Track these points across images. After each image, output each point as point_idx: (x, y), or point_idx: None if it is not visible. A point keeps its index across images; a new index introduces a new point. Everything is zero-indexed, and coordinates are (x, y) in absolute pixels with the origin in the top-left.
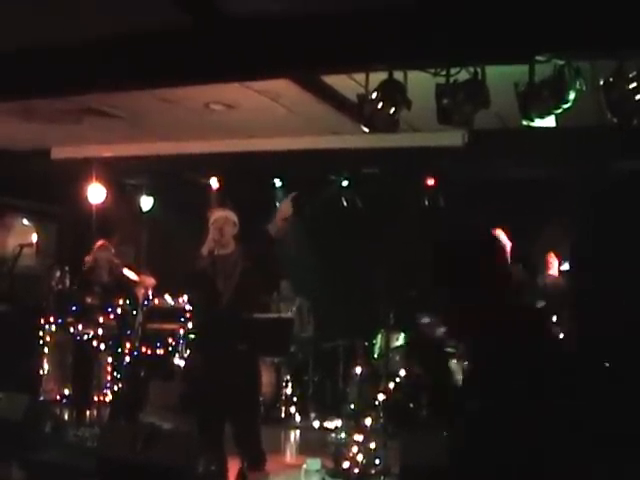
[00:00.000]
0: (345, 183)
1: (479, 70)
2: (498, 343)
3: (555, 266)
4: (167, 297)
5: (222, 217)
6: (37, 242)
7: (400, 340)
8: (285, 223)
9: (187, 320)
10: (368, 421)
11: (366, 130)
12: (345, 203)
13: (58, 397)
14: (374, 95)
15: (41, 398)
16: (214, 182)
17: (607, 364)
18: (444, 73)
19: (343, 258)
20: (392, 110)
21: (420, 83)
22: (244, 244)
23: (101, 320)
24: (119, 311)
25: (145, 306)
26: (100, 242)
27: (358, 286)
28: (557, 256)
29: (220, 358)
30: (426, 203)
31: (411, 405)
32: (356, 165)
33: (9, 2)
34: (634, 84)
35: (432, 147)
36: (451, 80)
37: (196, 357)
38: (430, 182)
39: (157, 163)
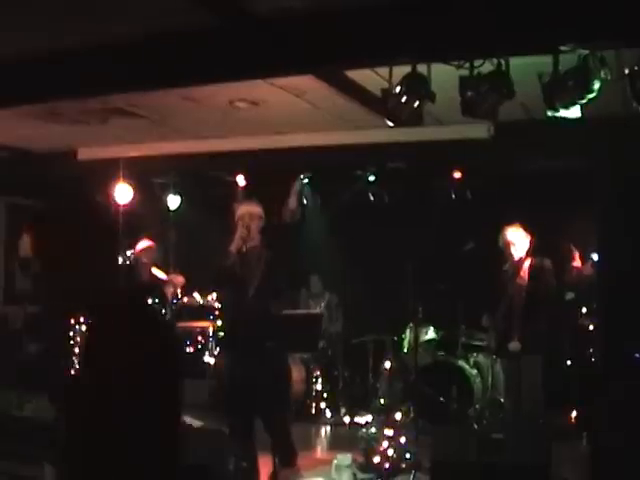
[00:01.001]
0: (371, 178)
1: (503, 61)
2: None
3: (580, 258)
4: (196, 295)
5: (248, 213)
6: None
7: (429, 334)
8: (292, 214)
9: (216, 318)
10: (398, 415)
11: (391, 124)
12: (372, 198)
13: None
14: (398, 89)
15: None
16: (240, 179)
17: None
18: (467, 65)
19: (371, 253)
20: (416, 103)
21: (444, 76)
22: (266, 236)
23: None
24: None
25: (174, 304)
26: (146, 243)
27: (386, 280)
28: (584, 248)
29: (250, 355)
30: (453, 197)
31: (441, 399)
32: (382, 160)
33: (36, 3)
34: None
35: (458, 140)
36: (475, 72)
37: (226, 354)
38: (456, 175)
39: (183, 161)
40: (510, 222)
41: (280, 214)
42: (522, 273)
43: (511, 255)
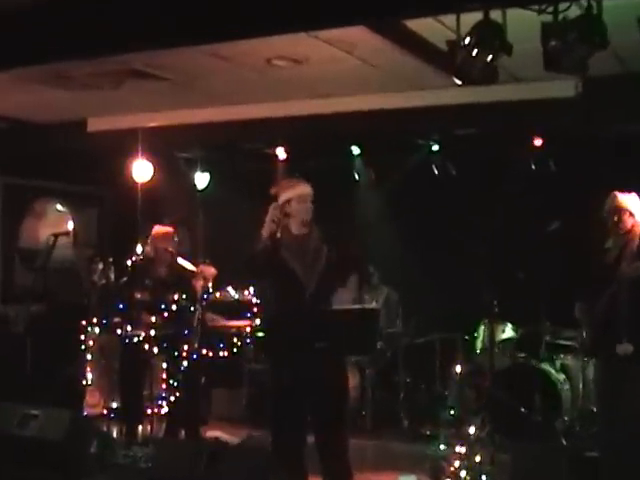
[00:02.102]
0: (435, 147)
1: (594, 3)
2: None
3: None
4: (230, 289)
5: (305, 193)
6: (74, 230)
7: (507, 332)
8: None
9: (255, 316)
10: (472, 429)
11: (459, 83)
12: (436, 171)
13: (105, 411)
14: (467, 40)
15: (85, 413)
16: (280, 152)
17: None
18: (551, 9)
19: (436, 237)
20: (489, 57)
21: (522, 23)
22: (323, 227)
23: (153, 319)
24: (174, 308)
25: (205, 301)
26: (162, 229)
27: (454, 270)
28: None
29: (296, 359)
30: (533, 168)
31: (522, 409)
32: (448, 125)
33: None
34: None
35: (539, 100)
36: (560, 17)
37: (267, 359)
38: (537, 142)
39: (213, 132)
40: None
41: (330, 195)
42: (633, 252)
43: (620, 226)
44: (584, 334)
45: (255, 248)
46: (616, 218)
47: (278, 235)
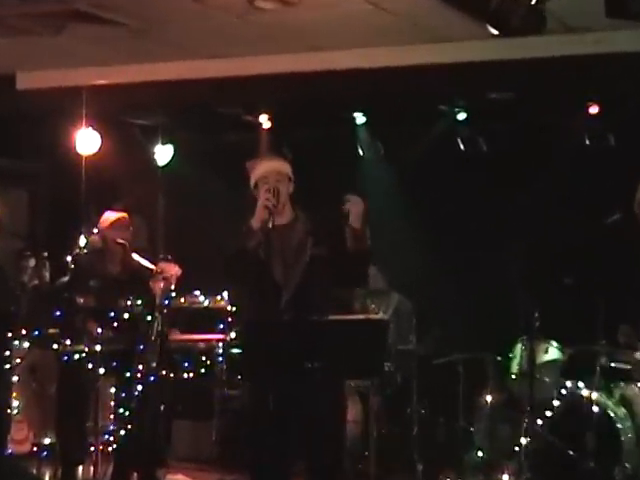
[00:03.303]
0: (462, 116)
1: None
2: None
3: None
4: (198, 294)
5: (275, 171)
6: None
7: (551, 352)
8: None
9: (229, 327)
10: (505, 477)
11: (494, 32)
12: (462, 146)
13: (35, 449)
14: None
15: (9, 451)
16: (264, 120)
17: None
18: None
19: (460, 231)
20: (533, 0)
21: None
22: (309, 214)
23: (99, 331)
24: (127, 316)
25: (166, 307)
26: (112, 216)
27: (484, 272)
28: None
29: (280, 384)
30: (587, 142)
31: (571, 452)
32: (478, 88)
33: None
34: None
35: (596, 55)
36: None
37: (244, 383)
38: (593, 110)
39: (179, 93)
40: None
41: (327, 176)
42: None
43: None
44: None
45: (244, 244)
46: None
47: (270, 225)
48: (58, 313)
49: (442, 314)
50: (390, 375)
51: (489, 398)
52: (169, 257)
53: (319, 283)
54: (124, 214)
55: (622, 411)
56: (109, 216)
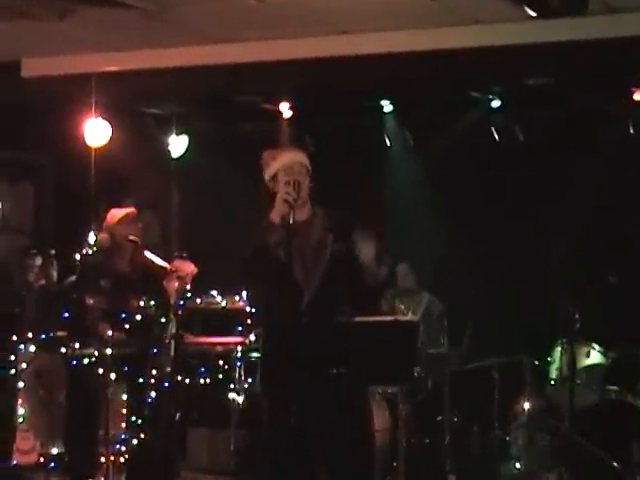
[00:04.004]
0: (496, 103)
1: None
2: None
3: None
4: (215, 294)
5: (295, 162)
6: (2, 212)
7: (593, 356)
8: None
9: (248, 330)
10: None
11: (532, 14)
12: (496, 135)
13: (41, 459)
14: None
15: (13, 462)
16: (284, 108)
17: None
18: None
19: (495, 226)
20: None
21: None
22: (328, 210)
23: (110, 333)
24: (139, 318)
25: (181, 308)
26: (123, 211)
27: (521, 270)
28: None
29: (303, 390)
30: (631, 130)
31: (616, 464)
32: (514, 73)
33: None
34: None
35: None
36: None
37: (264, 389)
38: (637, 96)
39: (194, 81)
40: None
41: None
42: None
43: None
44: None
45: (264, 240)
46: None
47: (291, 221)
48: (66, 315)
49: (476, 315)
50: (420, 381)
51: (527, 405)
52: (184, 255)
53: (342, 283)
54: (133, 210)
55: None
56: (118, 212)
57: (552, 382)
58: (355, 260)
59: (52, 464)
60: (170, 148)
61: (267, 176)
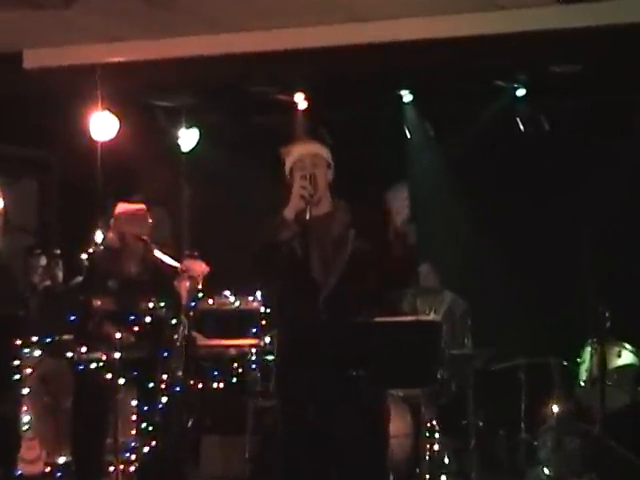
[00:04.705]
0: (521, 92)
1: None
2: None
3: None
4: (228, 294)
5: (310, 154)
6: (4, 209)
7: (625, 357)
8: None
9: (263, 331)
10: None
11: None
12: (522, 126)
13: (48, 469)
14: None
15: (19, 472)
16: (300, 100)
17: None
18: None
19: (520, 221)
20: None
21: None
22: (350, 204)
23: (119, 336)
24: (149, 320)
25: (192, 310)
26: (131, 208)
27: (548, 267)
28: None
29: (321, 394)
30: None
31: None
32: (541, 60)
33: None
34: None
35: None
36: None
37: (279, 393)
38: None
39: (204, 71)
40: None
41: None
42: None
43: None
44: None
45: (278, 236)
46: None
47: (307, 217)
48: (72, 317)
49: (501, 314)
50: (443, 383)
51: (555, 408)
52: (195, 253)
53: (362, 281)
54: (142, 207)
55: None
56: (126, 209)
57: (582, 383)
58: (378, 257)
59: (59, 474)
60: (180, 142)
61: (286, 170)
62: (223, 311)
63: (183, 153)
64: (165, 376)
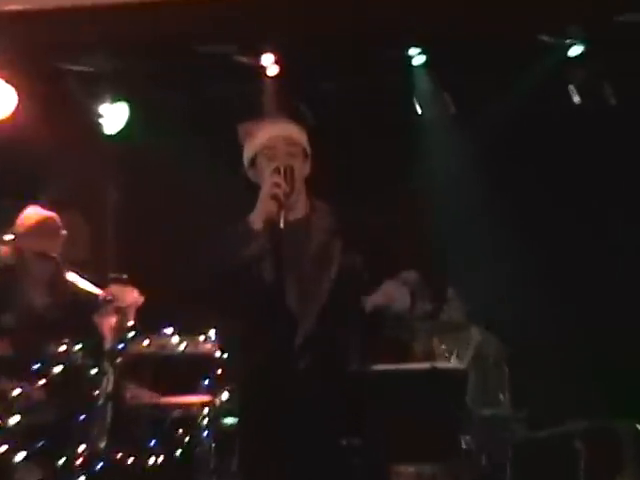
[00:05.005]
0: (576, 50)
1: None
2: None
3: None
4: (169, 333)
5: (284, 138)
6: None
7: None
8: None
9: (219, 385)
10: None
11: None
12: (577, 98)
13: None
14: None
15: None
16: (269, 63)
17: None
18: None
19: (573, 230)
20: None
21: None
22: (333, 206)
23: (17, 392)
24: (60, 369)
25: (121, 354)
26: (36, 215)
27: (609, 295)
28: None
29: (300, 473)
30: None
31: None
32: (597, 9)
33: None
34: None
35: None
36: None
37: (243, 473)
38: None
39: (136, 24)
40: None
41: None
42: None
43: None
44: None
45: (240, 250)
46: None
47: (282, 225)
48: None
49: (549, 360)
50: (470, 455)
51: None
52: (124, 276)
53: (354, 311)
54: (51, 214)
55: None
56: (29, 216)
57: None
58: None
59: None
60: (103, 121)
61: (245, 161)
62: (163, 356)
63: (107, 137)
64: (82, 448)
